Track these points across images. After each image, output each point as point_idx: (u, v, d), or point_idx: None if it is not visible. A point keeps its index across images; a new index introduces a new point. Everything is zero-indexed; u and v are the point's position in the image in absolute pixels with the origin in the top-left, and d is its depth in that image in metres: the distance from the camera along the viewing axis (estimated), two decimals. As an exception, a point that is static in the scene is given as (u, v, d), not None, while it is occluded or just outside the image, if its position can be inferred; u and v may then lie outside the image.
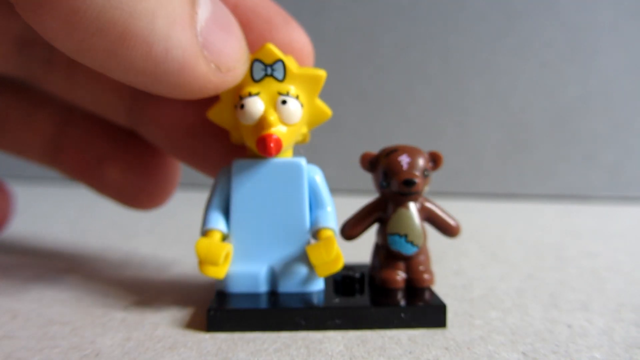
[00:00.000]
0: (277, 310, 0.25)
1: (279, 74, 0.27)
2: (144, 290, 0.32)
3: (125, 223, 0.56)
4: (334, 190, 0.30)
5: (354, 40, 0.85)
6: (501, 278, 0.35)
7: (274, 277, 0.28)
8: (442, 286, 0.33)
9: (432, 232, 0.30)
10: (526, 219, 0.62)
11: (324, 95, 0.28)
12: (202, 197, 0.31)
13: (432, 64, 0.83)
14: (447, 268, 0.38)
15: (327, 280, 0.29)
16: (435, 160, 0.29)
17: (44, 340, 0.24)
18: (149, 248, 0.44)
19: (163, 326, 0.26)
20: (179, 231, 0.52)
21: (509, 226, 0.57)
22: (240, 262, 0.28)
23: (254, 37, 0.28)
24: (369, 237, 0.31)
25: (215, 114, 0.28)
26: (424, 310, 0.26)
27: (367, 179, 0.30)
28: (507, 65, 0.82)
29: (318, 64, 0.30)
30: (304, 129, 0.29)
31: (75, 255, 0.41)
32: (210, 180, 0.30)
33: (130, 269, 0.37)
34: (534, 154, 0.82)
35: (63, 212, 0.64)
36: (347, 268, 0.30)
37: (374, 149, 0.29)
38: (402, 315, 0.25)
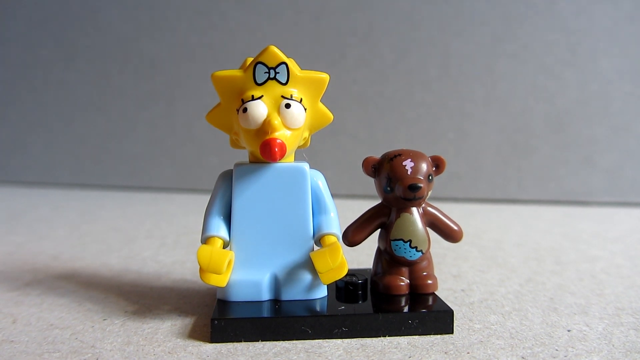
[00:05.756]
0: (283, 319, 0.25)
1: (282, 77, 0.26)
2: (144, 295, 0.32)
3: (125, 227, 0.56)
4: (333, 194, 0.30)
5: (354, 44, 0.85)
6: (500, 282, 0.35)
7: (276, 285, 0.27)
8: (441, 290, 0.33)
9: (431, 236, 0.30)
10: (525, 223, 0.62)
11: (323, 99, 0.28)
12: (202, 201, 0.31)
13: (432, 69, 0.84)
14: (446, 272, 0.38)
15: (329, 286, 0.29)
16: (438, 164, 0.28)
17: (44, 345, 0.24)
18: (149, 252, 0.44)
19: (163, 330, 0.26)
20: (179, 235, 0.52)
21: (508, 230, 0.57)
22: (242, 269, 0.27)
23: None
24: (370, 241, 0.31)
25: (214, 118, 0.28)
26: (431, 316, 0.26)
27: (366, 183, 0.30)
28: (506, 69, 0.82)
29: (318, 68, 0.30)
30: (306, 133, 0.28)
31: (75, 259, 0.41)
32: (211, 185, 0.30)
33: (130, 273, 0.37)
34: (533, 158, 0.82)
35: (63, 216, 0.64)
36: (349, 274, 0.29)
37: (374, 153, 0.29)
38: (410, 322, 0.25)
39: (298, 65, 0.27)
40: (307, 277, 0.27)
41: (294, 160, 0.29)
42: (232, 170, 0.28)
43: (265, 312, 0.25)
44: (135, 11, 0.92)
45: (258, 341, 0.25)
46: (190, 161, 0.91)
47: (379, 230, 0.29)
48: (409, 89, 0.84)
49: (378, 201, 0.29)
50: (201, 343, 0.24)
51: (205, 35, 0.90)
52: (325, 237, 0.27)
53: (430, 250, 0.29)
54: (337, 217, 0.29)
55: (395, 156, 0.28)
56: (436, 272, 0.31)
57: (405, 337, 0.25)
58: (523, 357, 0.23)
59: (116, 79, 0.94)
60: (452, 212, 0.31)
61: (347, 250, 0.30)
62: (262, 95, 0.26)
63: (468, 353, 0.23)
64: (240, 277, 0.27)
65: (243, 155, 0.30)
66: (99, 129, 0.95)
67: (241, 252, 0.27)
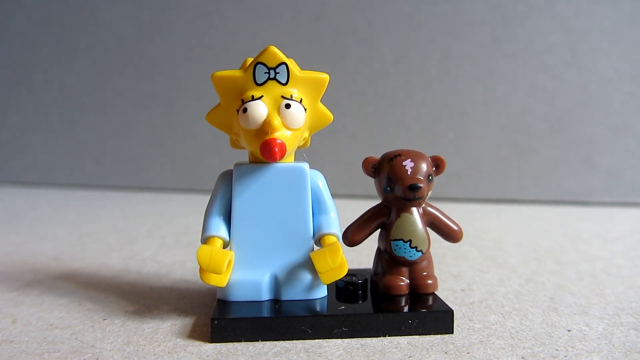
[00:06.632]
0: (283, 319, 0.25)
1: (282, 77, 0.26)
2: (143, 295, 0.32)
3: (125, 227, 0.56)
4: (333, 194, 0.30)
5: (354, 45, 0.85)
6: (500, 282, 0.35)
7: (276, 285, 0.27)
8: (441, 290, 0.33)
9: (431, 236, 0.30)
10: (525, 223, 0.62)
11: (323, 100, 0.28)
12: (202, 201, 0.31)
13: (432, 69, 0.84)
14: (446, 272, 0.38)
15: (329, 286, 0.29)
16: (438, 164, 0.29)
17: (44, 345, 0.24)
18: (149, 252, 0.44)
19: (163, 330, 0.26)
20: (179, 235, 0.52)
21: (508, 230, 0.57)
22: (242, 269, 0.27)
23: None
24: (370, 241, 0.31)
25: (214, 118, 0.28)
26: (431, 316, 0.26)
27: (366, 183, 0.30)
28: (506, 70, 0.82)
29: (318, 68, 0.30)
30: (306, 133, 0.28)
31: (75, 259, 0.41)
32: (211, 185, 0.30)
33: (130, 273, 0.37)
34: (533, 158, 0.82)
35: (63, 216, 0.64)
36: (349, 274, 0.29)
37: (374, 153, 0.29)
38: (410, 322, 0.25)
39: (298, 65, 0.27)
40: (307, 277, 0.27)
41: (294, 160, 0.29)
42: (232, 170, 0.28)
43: (265, 312, 0.25)
44: (135, 11, 0.92)
45: (258, 341, 0.25)
46: (190, 161, 0.91)
47: (379, 230, 0.29)
48: (409, 89, 0.84)
49: (378, 201, 0.29)
50: (201, 343, 0.24)
51: (206, 35, 0.90)
52: (325, 237, 0.27)
53: (430, 250, 0.29)
54: (337, 217, 0.28)
55: (395, 156, 0.28)
56: (436, 272, 0.31)
57: (405, 337, 0.25)
58: (523, 357, 0.23)
59: (116, 79, 0.94)
60: (452, 212, 0.31)
61: (347, 250, 0.30)
62: (262, 96, 0.26)
63: (468, 353, 0.23)
64: (240, 277, 0.27)
65: (243, 155, 0.30)
66: (99, 129, 0.95)
67: (241, 252, 0.27)
